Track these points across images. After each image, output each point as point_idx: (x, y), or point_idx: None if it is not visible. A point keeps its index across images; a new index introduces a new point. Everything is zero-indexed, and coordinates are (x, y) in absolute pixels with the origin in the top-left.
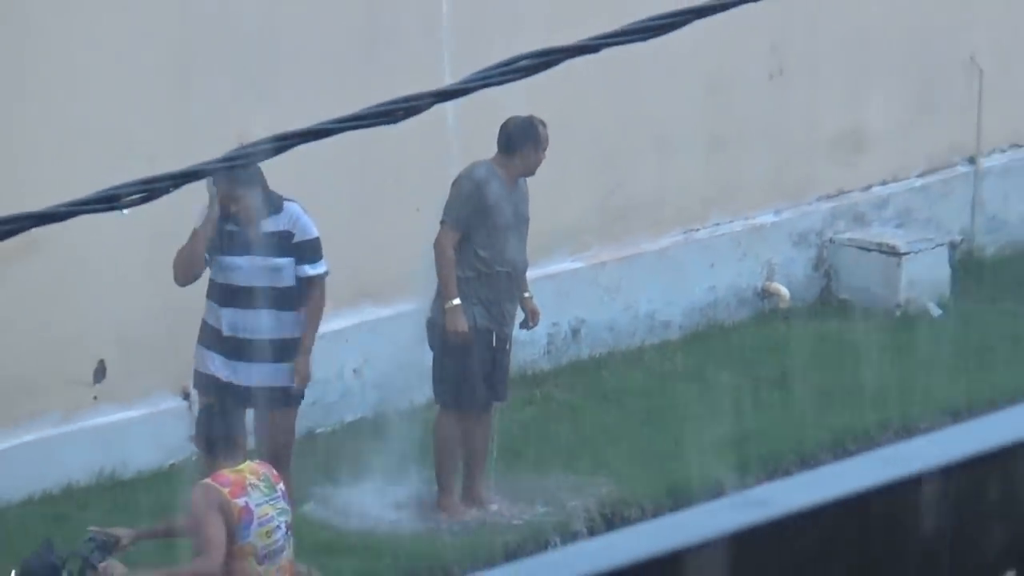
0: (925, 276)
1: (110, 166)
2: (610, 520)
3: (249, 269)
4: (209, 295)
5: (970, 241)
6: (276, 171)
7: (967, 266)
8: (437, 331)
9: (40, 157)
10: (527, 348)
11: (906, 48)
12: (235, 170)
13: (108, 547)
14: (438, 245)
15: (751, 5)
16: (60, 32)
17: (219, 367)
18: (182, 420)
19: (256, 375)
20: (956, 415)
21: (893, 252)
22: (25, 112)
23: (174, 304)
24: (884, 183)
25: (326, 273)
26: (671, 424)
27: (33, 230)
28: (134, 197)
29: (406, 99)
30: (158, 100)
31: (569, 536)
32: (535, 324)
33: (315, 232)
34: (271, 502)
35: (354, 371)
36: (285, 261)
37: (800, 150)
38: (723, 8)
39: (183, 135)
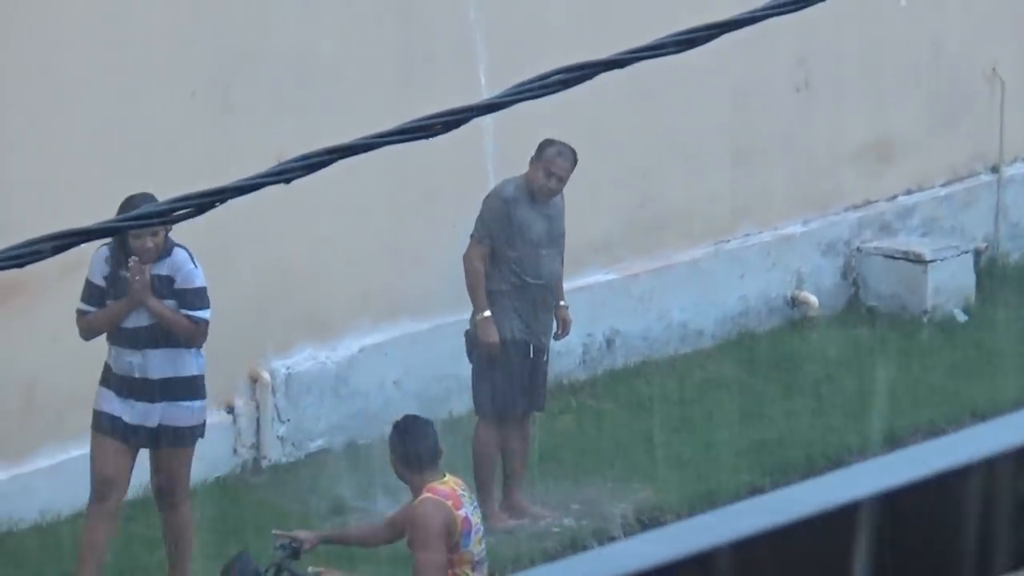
0: (951, 283)
1: (152, 185)
2: (647, 526)
3: (139, 310)
4: (108, 336)
5: (994, 248)
6: (318, 189)
7: (992, 273)
8: (475, 343)
9: (83, 177)
10: (563, 358)
11: (929, 60)
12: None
13: (296, 552)
14: (466, 259)
15: (776, 20)
16: (103, 53)
17: (118, 407)
18: (227, 434)
19: (154, 415)
20: (983, 418)
21: (919, 260)
22: (69, 131)
23: (218, 320)
24: (909, 192)
25: (207, 322)
26: (705, 431)
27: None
28: (180, 213)
29: (443, 114)
30: (200, 120)
31: (607, 542)
32: (565, 334)
33: (199, 282)
34: (476, 511)
35: (394, 383)
36: (170, 304)
37: (826, 161)
38: (752, 21)
39: (224, 155)
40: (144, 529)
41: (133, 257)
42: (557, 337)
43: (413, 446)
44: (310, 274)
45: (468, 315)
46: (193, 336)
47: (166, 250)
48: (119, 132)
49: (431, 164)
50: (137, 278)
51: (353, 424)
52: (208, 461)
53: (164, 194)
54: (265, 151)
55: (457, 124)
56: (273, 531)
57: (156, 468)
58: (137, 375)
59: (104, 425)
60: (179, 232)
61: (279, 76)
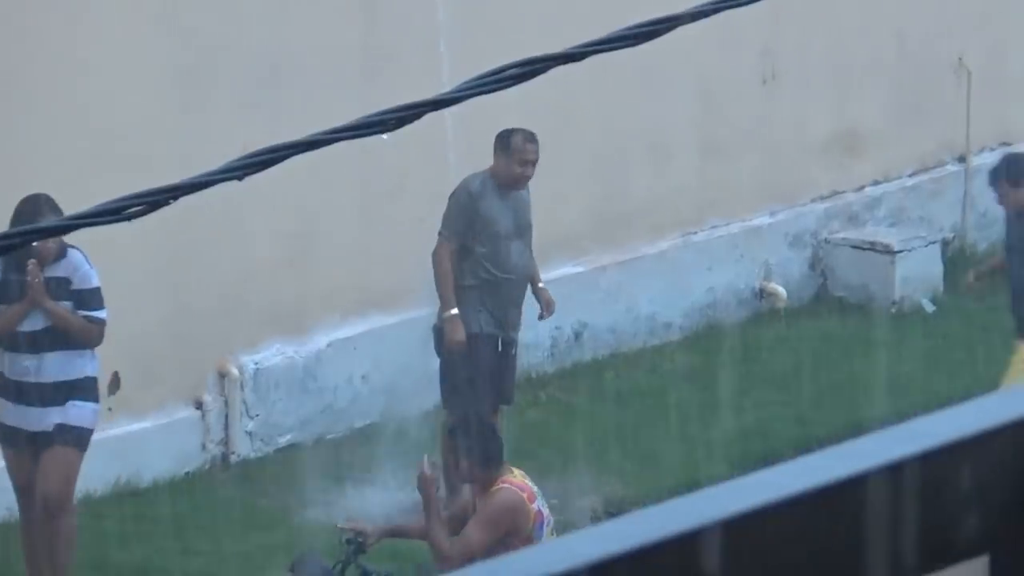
0: (918, 273)
1: (117, 180)
2: (613, 515)
3: (34, 313)
4: (0, 342)
5: (961, 238)
6: (286, 184)
7: (959, 263)
8: (443, 338)
9: (48, 173)
10: (531, 352)
11: (895, 50)
12: (43, 212)
13: (362, 546)
14: (435, 256)
15: (741, 11)
16: (69, 49)
17: (13, 415)
18: (195, 429)
19: (48, 418)
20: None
21: (887, 250)
22: (32, 127)
23: (186, 315)
24: (876, 183)
25: (104, 322)
26: (674, 423)
27: None
28: (133, 210)
29: (398, 109)
30: (165, 116)
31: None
32: (550, 313)
33: (95, 282)
34: (545, 503)
35: (363, 377)
36: (66, 305)
37: (793, 153)
38: (703, 15)
39: (189, 151)
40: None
41: (31, 260)
42: (541, 317)
43: (492, 444)
44: (278, 269)
45: (436, 310)
46: (91, 337)
47: (60, 252)
48: (84, 128)
49: (398, 159)
50: (36, 281)
51: (322, 419)
52: (177, 457)
53: (129, 191)
54: (231, 147)
55: (412, 119)
56: (338, 524)
57: (45, 474)
58: (32, 379)
59: (7, 436)
60: (143, 228)
61: (245, 72)
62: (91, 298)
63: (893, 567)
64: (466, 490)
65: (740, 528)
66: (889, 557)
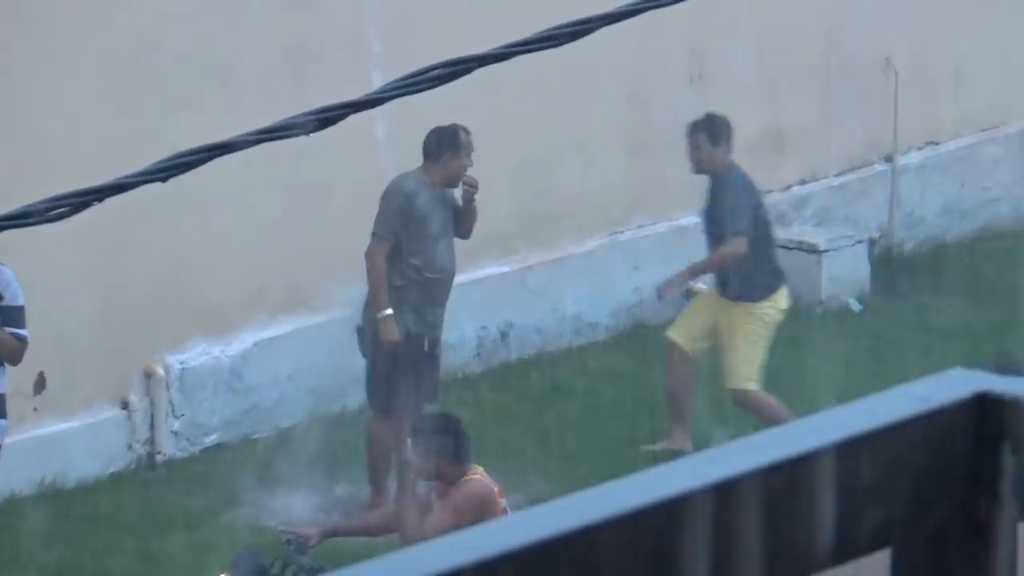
0: (845, 273)
1: (44, 180)
2: None
3: None
4: None
5: (888, 238)
6: (212, 183)
7: (886, 262)
8: (368, 338)
9: None
10: (457, 351)
11: (823, 50)
12: None
13: (302, 547)
14: (369, 257)
15: (669, 11)
16: None
17: None
18: (121, 429)
19: None
20: None
21: (813, 250)
22: None
23: (112, 315)
24: (803, 182)
25: (27, 340)
26: (600, 423)
27: None
28: (57, 212)
29: (323, 110)
30: (94, 116)
31: None
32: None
33: (22, 300)
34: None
35: (288, 377)
36: None
37: None
38: (629, 15)
39: (118, 151)
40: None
41: None
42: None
43: (462, 440)
44: (204, 269)
45: (361, 310)
46: (16, 354)
47: None
48: (11, 128)
49: (326, 159)
50: None
51: (248, 419)
52: (103, 457)
53: (57, 191)
54: (159, 147)
55: (337, 120)
56: (279, 527)
57: None
58: None
59: None
60: (69, 228)
61: (173, 72)
62: (17, 316)
63: (796, 561)
64: (425, 489)
65: (637, 523)
66: (792, 551)
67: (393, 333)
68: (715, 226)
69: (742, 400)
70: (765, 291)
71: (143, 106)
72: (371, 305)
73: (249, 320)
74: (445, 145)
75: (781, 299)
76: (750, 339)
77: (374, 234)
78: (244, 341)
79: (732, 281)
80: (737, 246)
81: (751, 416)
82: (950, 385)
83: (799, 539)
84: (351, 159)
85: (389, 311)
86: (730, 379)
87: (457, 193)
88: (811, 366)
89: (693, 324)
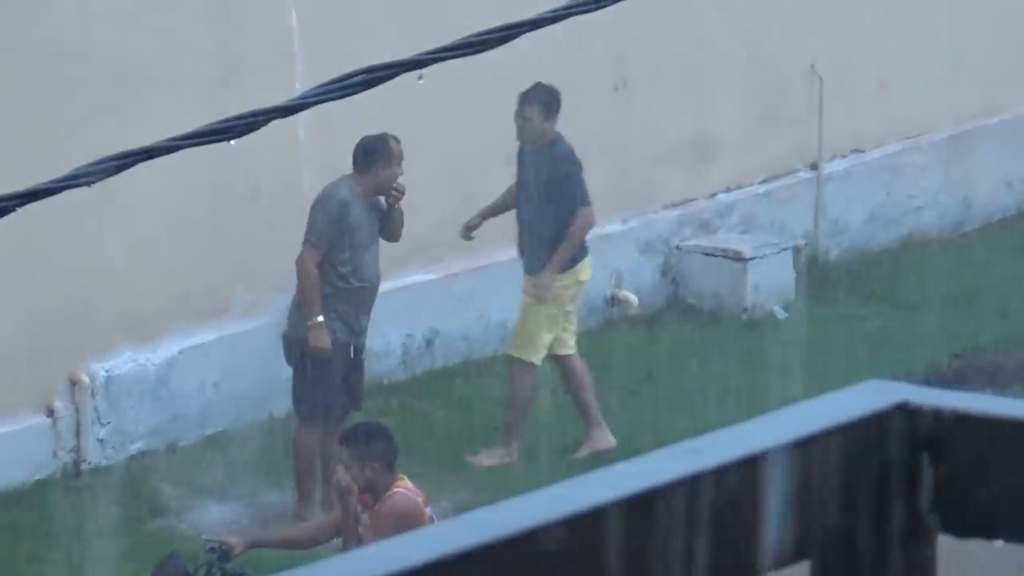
0: (770, 281)
1: None
2: None
3: None
4: None
5: (814, 245)
6: (137, 189)
7: (811, 270)
8: (295, 346)
9: None
10: (383, 359)
11: (748, 57)
12: None
13: (227, 555)
14: (301, 264)
15: (593, 17)
16: None
17: None
18: (46, 437)
19: None
20: None
21: (738, 258)
22: None
23: (37, 322)
24: (728, 190)
25: None
26: (524, 431)
27: None
28: None
29: (245, 116)
30: (15, 121)
31: None
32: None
33: None
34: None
35: (214, 385)
36: None
37: (645, 159)
38: (550, 21)
39: (40, 157)
40: None
41: None
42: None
43: (391, 448)
44: (130, 275)
45: (287, 317)
46: None
47: None
48: None
49: (251, 165)
50: None
51: (173, 426)
52: (28, 464)
53: None
54: (81, 153)
55: (259, 126)
56: (203, 537)
57: None
58: None
59: None
60: None
61: (96, 77)
62: None
63: (714, 574)
64: (345, 499)
65: (556, 535)
66: (710, 564)
67: (324, 341)
68: (543, 199)
69: (511, 368)
70: (569, 262)
71: (64, 111)
72: (301, 312)
73: (175, 327)
74: (376, 155)
75: (583, 270)
76: (536, 308)
77: (306, 241)
78: (170, 348)
79: (532, 255)
80: (588, 218)
81: (506, 385)
82: (869, 395)
83: (714, 552)
84: (275, 166)
85: (320, 318)
86: (511, 346)
87: (383, 199)
88: (735, 375)
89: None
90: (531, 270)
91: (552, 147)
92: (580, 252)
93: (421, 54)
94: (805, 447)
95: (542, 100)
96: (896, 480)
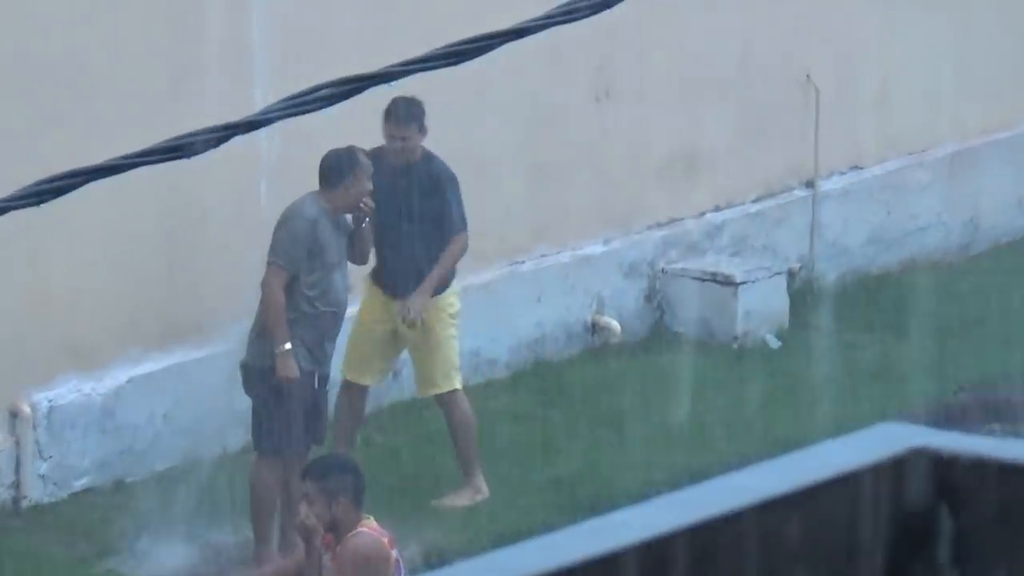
0: (762, 307)
1: None
2: (434, 566)
3: None
4: None
5: (809, 269)
6: (82, 209)
7: (807, 295)
8: (256, 375)
9: None
10: None
11: (739, 67)
12: None
13: None
14: (267, 287)
15: (574, 25)
16: None
17: None
18: None
19: None
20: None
21: (728, 282)
22: None
23: None
24: (718, 209)
25: None
26: (498, 466)
27: None
28: None
29: (204, 131)
30: None
31: None
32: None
33: None
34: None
35: (164, 416)
36: None
37: (629, 176)
38: (528, 32)
39: None
40: None
41: None
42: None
43: (359, 482)
44: (74, 300)
45: (244, 344)
46: None
47: None
48: None
49: (202, 184)
50: None
51: (121, 461)
52: None
53: None
54: (30, 168)
55: (220, 142)
56: None
57: None
58: None
59: None
60: None
61: (44, 87)
62: None
63: None
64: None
65: None
66: None
67: (292, 369)
68: (418, 218)
69: (447, 402)
70: (441, 287)
71: (9, 123)
72: (264, 339)
73: (122, 355)
74: (346, 169)
75: (455, 285)
76: (447, 335)
77: (272, 263)
78: (117, 377)
79: (402, 278)
80: (463, 241)
81: (447, 418)
82: (883, 439)
83: None
84: (229, 184)
85: (288, 345)
86: (434, 385)
87: (349, 217)
88: (726, 407)
89: (370, 353)
90: (403, 294)
91: (428, 164)
92: (450, 275)
93: (394, 65)
94: (814, 495)
95: (417, 117)
96: (913, 531)
